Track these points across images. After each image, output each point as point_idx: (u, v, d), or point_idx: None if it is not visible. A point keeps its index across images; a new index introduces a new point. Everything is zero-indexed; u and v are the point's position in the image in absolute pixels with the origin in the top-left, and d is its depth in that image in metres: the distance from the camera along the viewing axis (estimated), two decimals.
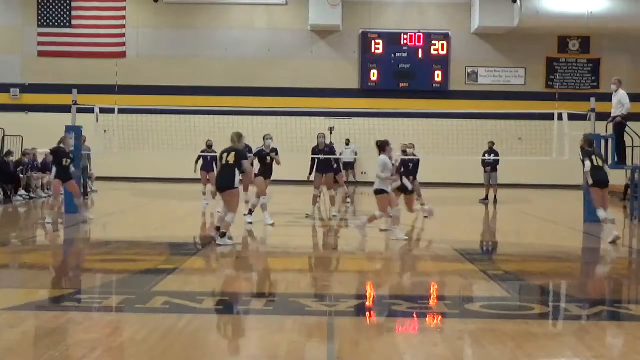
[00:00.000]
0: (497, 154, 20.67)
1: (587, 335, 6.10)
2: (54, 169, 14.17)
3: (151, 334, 5.85)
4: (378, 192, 11.80)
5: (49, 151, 14.32)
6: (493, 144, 20.95)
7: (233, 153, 10.76)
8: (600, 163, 12.40)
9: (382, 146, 11.87)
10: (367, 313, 7.04)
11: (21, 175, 19.73)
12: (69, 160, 14.14)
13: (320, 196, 15.66)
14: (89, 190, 20.91)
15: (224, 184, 10.84)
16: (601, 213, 12.15)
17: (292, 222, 14.81)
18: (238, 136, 11.05)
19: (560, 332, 6.35)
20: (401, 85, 29.53)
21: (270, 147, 14.31)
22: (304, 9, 29.11)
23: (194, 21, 29.85)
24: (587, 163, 12.27)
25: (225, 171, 10.78)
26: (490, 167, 20.69)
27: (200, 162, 18.17)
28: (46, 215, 13.87)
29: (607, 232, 12.18)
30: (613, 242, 11.80)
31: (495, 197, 20.72)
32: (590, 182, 12.27)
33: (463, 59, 29.71)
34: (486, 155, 20.63)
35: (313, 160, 15.49)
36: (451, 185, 26.84)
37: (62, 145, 14.30)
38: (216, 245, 10.72)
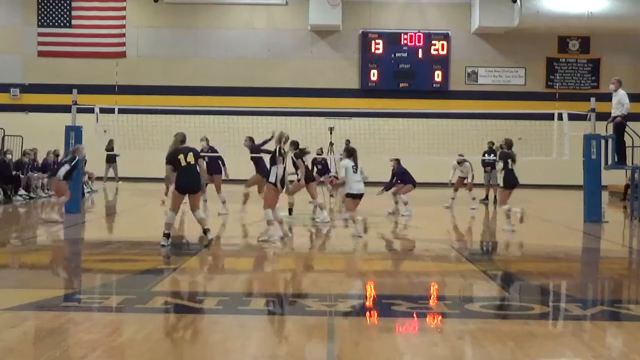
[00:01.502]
0: (496, 154, 20.62)
1: (587, 335, 6.10)
2: (64, 171, 14.10)
3: (151, 334, 5.85)
4: None
5: (69, 168, 14.38)
6: (493, 144, 20.92)
7: (190, 153, 10.66)
8: (513, 165, 13.46)
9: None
10: (367, 313, 7.03)
11: (21, 175, 19.72)
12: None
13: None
14: (87, 191, 20.88)
15: (198, 186, 10.74)
16: (505, 207, 13.58)
17: (291, 222, 14.81)
18: (184, 137, 10.89)
19: (560, 332, 6.35)
20: (401, 85, 29.54)
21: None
22: (304, 9, 29.12)
23: (194, 21, 29.85)
24: (500, 165, 13.53)
25: (192, 172, 10.65)
26: (490, 167, 20.67)
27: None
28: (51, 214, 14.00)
29: (512, 217, 13.34)
30: (521, 220, 13.23)
31: (495, 197, 20.68)
32: (502, 184, 13.57)
33: (463, 59, 29.71)
34: (486, 155, 20.62)
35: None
36: (451, 185, 26.79)
37: (76, 154, 14.38)
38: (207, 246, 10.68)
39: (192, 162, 10.63)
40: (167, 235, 10.62)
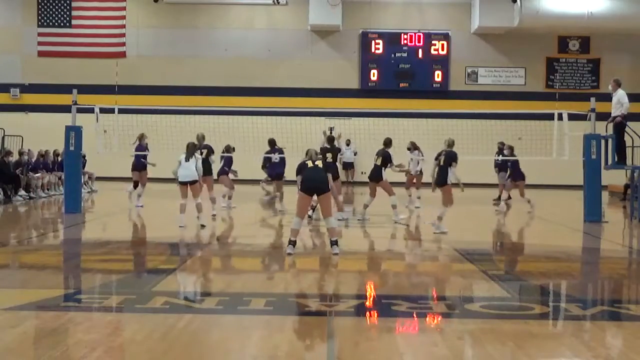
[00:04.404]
0: (504, 155, 20.54)
1: (587, 335, 6.10)
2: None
3: (151, 334, 5.85)
4: None
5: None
6: (503, 144, 20.79)
7: (319, 161, 10.48)
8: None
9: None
10: (367, 313, 7.04)
11: (21, 175, 19.71)
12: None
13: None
14: (87, 191, 20.86)
15: (324, 186, 10.27)
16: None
17: (290, 222, 14.79)
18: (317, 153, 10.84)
19: (560, 332, 6.35)
20: (401, 85, 29.52)
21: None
22: (304, 9, 29.10)
23: (194, 21, 29.84)
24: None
25: (318, 172, 10.28)
26: (498, 167, 20.68)
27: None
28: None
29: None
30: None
31: (509, 196, 20.60)
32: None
33: (463, 59, 29.69)
34: (496, 155, 20.64)
35: None
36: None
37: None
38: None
39: (319, 164, 10.34)
40: (292, 243, 10.18)
